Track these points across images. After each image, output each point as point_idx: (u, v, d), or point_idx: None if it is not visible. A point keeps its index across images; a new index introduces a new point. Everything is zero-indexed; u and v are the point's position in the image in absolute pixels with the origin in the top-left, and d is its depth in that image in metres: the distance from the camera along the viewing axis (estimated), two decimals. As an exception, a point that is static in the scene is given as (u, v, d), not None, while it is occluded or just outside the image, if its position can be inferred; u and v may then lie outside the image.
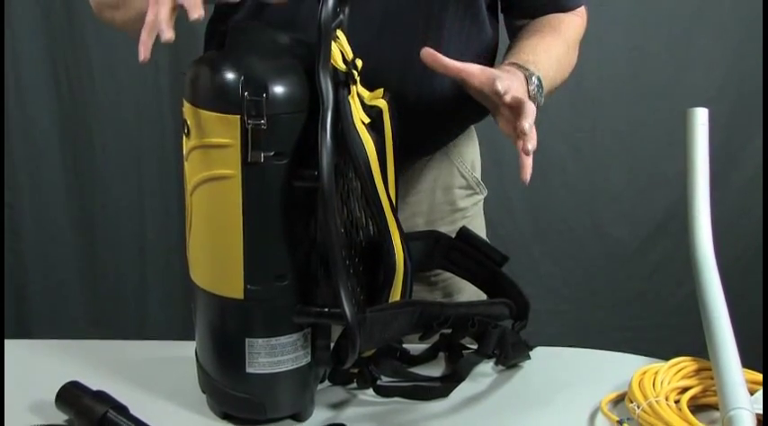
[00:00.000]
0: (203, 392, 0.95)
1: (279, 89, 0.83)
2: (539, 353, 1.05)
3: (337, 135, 0.85)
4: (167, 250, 2.20)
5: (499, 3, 1.17)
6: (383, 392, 0.95)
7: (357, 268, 0.92)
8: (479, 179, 1.25)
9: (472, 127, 1.25)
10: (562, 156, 2.22)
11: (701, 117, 1.09)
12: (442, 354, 1.05)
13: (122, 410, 0.88)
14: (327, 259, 0.84)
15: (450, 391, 0.96)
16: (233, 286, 0.87)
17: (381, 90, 0.95)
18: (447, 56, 1.07)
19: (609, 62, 2.12)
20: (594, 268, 2.28)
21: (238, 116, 0.82)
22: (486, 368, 1.02)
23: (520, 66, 1.02)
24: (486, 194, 1.27)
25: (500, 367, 1.03)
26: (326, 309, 0.88)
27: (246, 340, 0.88)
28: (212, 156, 0.84)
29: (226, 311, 0.89)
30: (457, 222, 1.19)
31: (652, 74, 2.16)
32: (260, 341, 0.88)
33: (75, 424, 0.89)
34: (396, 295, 0.93)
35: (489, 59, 1.17)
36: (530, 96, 0.99)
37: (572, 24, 1.18)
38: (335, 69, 0.85)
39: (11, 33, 2.07)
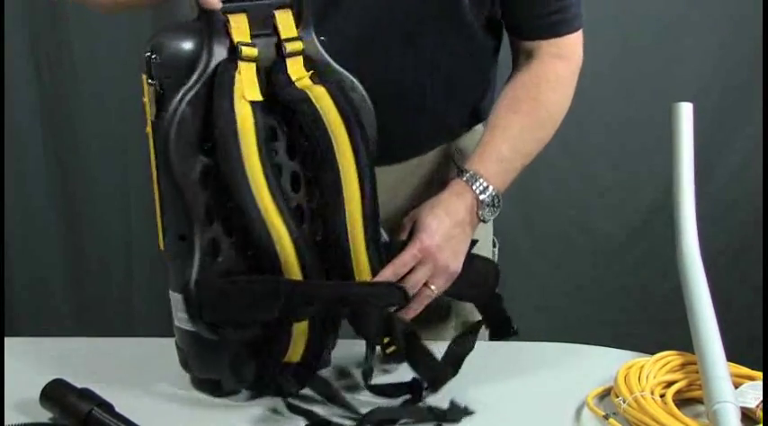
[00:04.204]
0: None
1: (168, 53, 0.88)
2: (525, 348, 1.05)
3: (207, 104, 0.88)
4: (154, 246, 2.18)
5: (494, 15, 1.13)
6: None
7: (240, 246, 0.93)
8: None
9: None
10: (550, 151, 2.20)
11: (686, 111, 1.10)
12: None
13: (108, 407, 0.88)
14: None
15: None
16: (160, 240, 0.96)
17: (311, 72, 0.95)
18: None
19: (597, 56, 2.11)
20: (581, 263, 2.28)
21: (146, 76, 0.89)
22: (472, 362, 1.02)
23: (476, 179, 1.08)
24: None
25: (486, 362, 1.02)
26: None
27: (171, 293, 0.94)
28: (145, 114, 0.91)
29: (163, 266, 0.96)
30: None
31: (640, 68, 2.16)
32: (176, 295, 0.93)
33: (60, 422, 0.88)
34: (291, 275, 0.91)
35: (482, 68, 1.17)
36: (477, 217, 1.10)
37: (556, 84, 1.19)
38: (233, 44, 0.89)
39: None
